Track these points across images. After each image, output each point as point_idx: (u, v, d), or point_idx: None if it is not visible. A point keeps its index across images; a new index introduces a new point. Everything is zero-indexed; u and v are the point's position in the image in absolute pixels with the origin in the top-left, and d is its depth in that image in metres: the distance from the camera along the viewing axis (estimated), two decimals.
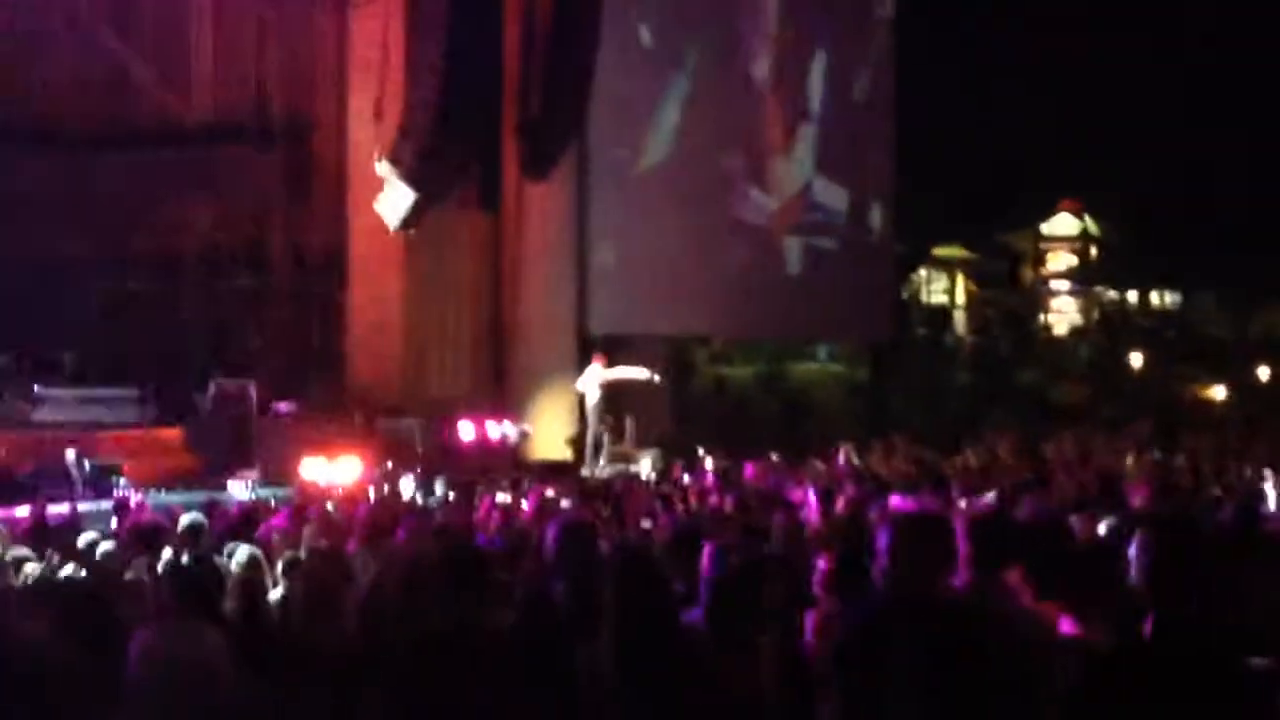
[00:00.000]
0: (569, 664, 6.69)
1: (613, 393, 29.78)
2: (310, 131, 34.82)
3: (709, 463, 23.24)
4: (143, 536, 13.79)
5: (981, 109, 41.87)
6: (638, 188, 33.54)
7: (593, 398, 29.51)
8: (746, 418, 36.38)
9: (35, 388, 29.25)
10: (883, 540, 6.42)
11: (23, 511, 19.08)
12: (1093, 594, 7.98)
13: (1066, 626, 6.89)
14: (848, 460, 22.12)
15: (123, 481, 23.24)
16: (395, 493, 20.75)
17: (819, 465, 21.79)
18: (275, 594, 11.05)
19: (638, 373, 30.01)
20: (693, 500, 17.80)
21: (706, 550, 8.82)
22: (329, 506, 17.10)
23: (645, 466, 24.11)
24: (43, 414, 28.96)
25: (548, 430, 31.18)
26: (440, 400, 31.20)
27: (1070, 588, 7.59)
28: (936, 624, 5.37)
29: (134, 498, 20.74)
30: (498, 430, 30.13)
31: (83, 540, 14.54)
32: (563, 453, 30.54)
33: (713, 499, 17.12)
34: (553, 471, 26.62)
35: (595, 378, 29.46)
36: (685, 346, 38.54)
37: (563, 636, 6.83)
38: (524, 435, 30.29)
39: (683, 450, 26.73)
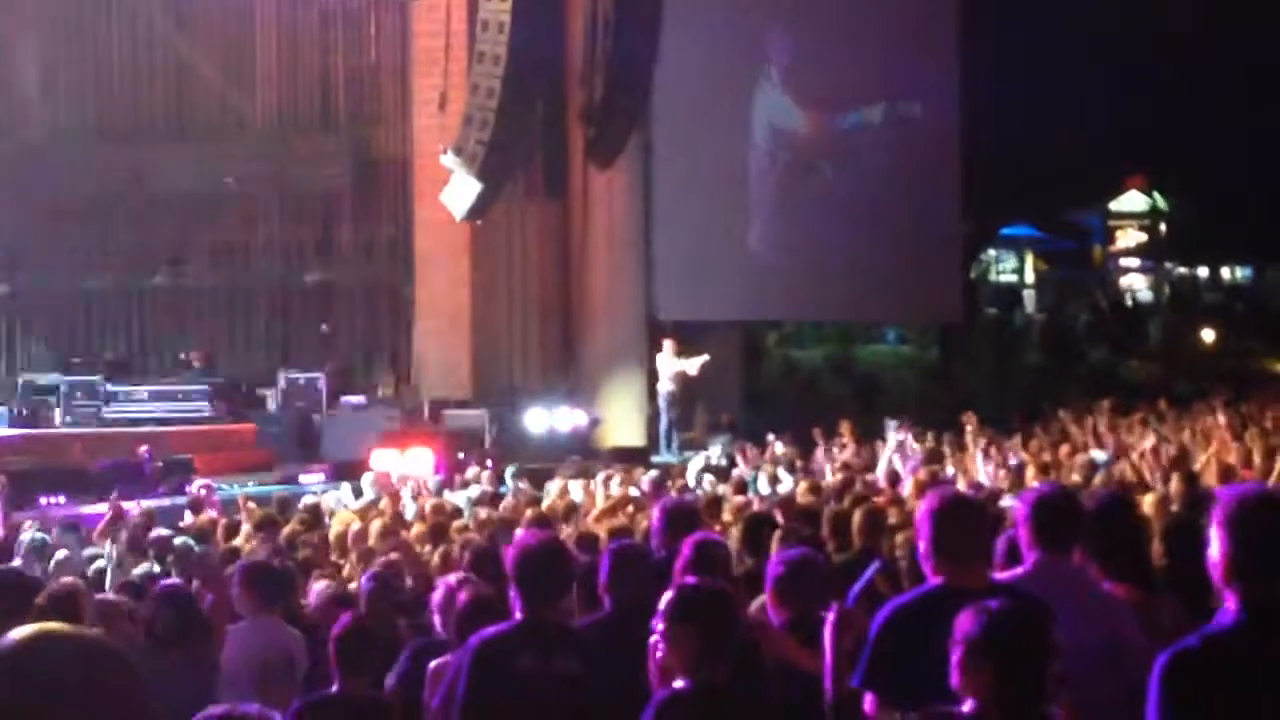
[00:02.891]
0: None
1: (682, 381, 29.85)
2: (375, 124, 34.92)
3: (778, 448, 23.13)
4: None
5: (1047, 86, 41.63)
6: (703, 172, 33.44)
7: (665, 384, 29.56)
8: (816, 401, 36.28)
9: (107, 385, 29.42)
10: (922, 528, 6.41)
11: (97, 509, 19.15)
12: (1163, 573, 7.92)
13: (1133, 606, 6.85)
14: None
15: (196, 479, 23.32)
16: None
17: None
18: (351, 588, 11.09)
19: (701, 360, 30.11)
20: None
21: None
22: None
23: (715, 452, 24.04)
24: (114, 411, 29.14)
25: (618, 417, 31.12)
26: (509, 390, 31.25)
27: (1138, 568, 7.55)
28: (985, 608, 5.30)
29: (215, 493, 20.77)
30: (568, 419, 30.14)
31: (155, 536, 14.61)
32: (634, 439, 30.48)
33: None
34: (624, 458, 26.58)
35: (669, 365, 29.53)
36: (754, 330, 38.43)
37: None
38: (595, 423, 30.25)
39: (752, 435, 26.63)
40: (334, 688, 7.69)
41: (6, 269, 33.86)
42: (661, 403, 29.83)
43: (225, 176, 33.44)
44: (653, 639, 6.10)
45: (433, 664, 7.63)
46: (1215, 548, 4.78)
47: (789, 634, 7.38)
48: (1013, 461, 18.49)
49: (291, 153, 34.82)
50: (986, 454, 19.29)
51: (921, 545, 6.37)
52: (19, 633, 2.91)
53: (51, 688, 2.81)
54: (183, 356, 31.11)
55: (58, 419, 28.74)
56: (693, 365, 29.89)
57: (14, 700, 2.79)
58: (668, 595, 6.20)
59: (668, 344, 29.99)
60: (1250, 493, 5.09)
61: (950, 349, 43.46)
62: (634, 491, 17.77)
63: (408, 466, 23.67)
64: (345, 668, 7.65)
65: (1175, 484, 13.37)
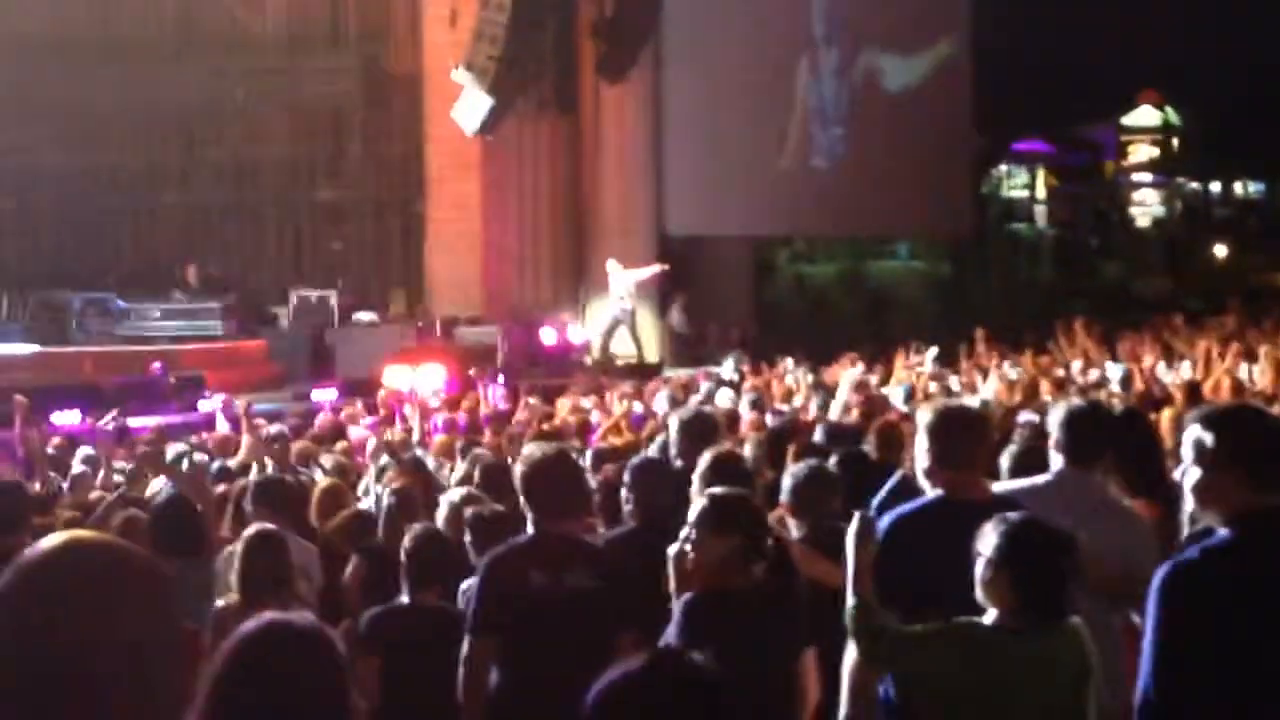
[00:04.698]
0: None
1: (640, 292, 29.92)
2: (385, 40, 34.81)
3: (789, 363, 23.11)
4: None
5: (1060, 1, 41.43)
6: (714, 87, 33.32)
7: (619, 299, 29.52)
8: (828, 317, 36.28)
9: (119, 302, 29.42)
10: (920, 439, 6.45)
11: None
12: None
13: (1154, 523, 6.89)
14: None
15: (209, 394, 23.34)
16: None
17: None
18: (366, 503, 11.10)
19: (654, 269, 30.17)
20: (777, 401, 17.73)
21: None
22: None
23: (726, 369, 24.00)
24: (127, 328, 29.16)
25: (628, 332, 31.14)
26: (521, 305, 31.26)
27: (1157, 484, 7.59)
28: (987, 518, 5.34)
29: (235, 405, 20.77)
30: (579, 334, 30.15)
31: (171, 452, 14.65)
32: (647, 354, 30.46)
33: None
34: (637, 373, 26.61)
35: (621, 279, 29.47)
36: (765, 246, 38.37)
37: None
38: (605, 338, 30.24)
39: (763, 351, 26.61)
40: (404, 599, 7.77)
41: (14, 186, 33.80)
42: (616, 316, 29.78)
43: (232, 91, 33.41)
44: (676, 547, 6.13)
45: (464, 584, 7.69)
46: None
47: (806, 545, 7.41)
48: (1013, 375, 18.47)
49: (301, 68, 34.73)
50: (997, 369, 19.34)
51: (921, 458, 6.41)
52: (51, 540, 2.93)
53: (87, 591, 2.84)
54: (180, 272, 31.01)
55: (70, 336, 28.76)
56: (645, 274, 29.86)
57: (50, 606, 2.81)
58: (700, 503, 6.23)
59: (612, 260, 29.92)
60: (1235, 407, 5.13)
61: (961, 264, 43.39)
62: (639, 407, 17.82)
63: (419, 382, 23.69)
64: (415, 579, 7.75)
65: (1184, 400, 13.39)
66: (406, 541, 7.86)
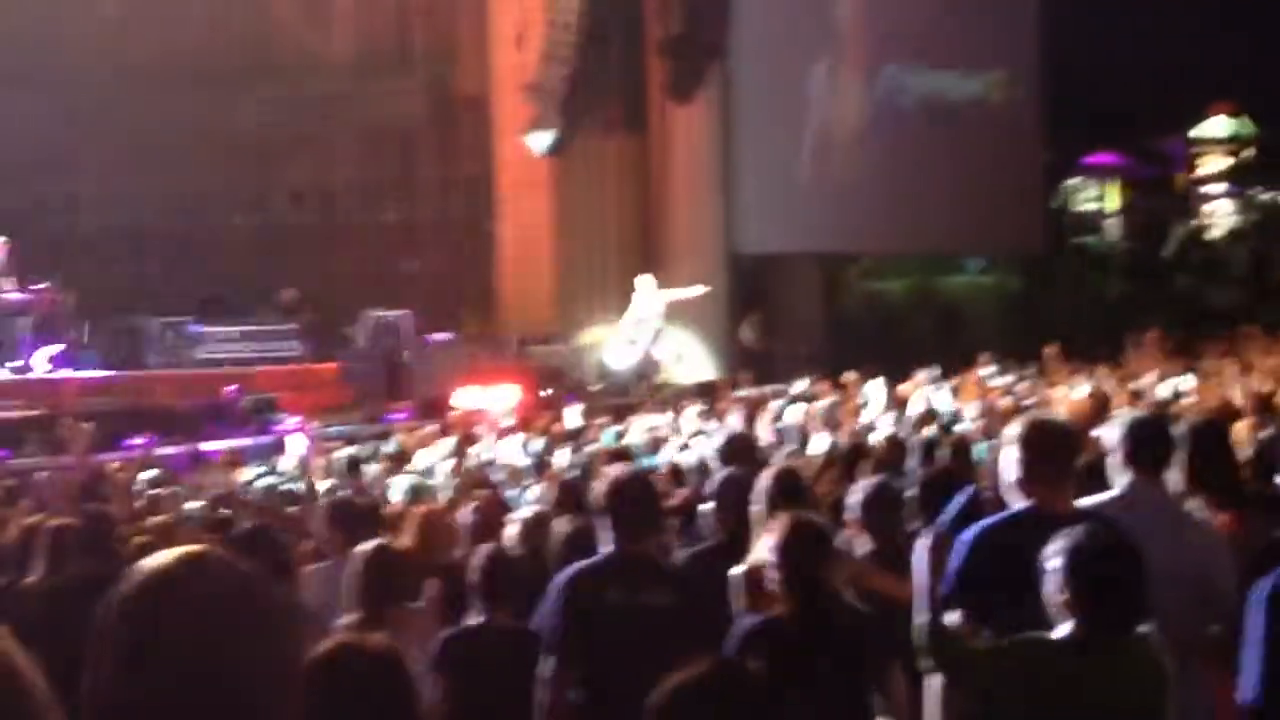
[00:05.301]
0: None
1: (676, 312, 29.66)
2: (453, 61, 34.96)
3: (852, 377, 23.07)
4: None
5: (1131, 12, 41.27)
6: (783, 103, 33.31)
7: (651, 319, 29.37)
8: (899, 333, 36.16)
9: (195, 326, 29.63)
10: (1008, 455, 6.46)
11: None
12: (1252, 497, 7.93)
13: (1228, 532, 6.88)
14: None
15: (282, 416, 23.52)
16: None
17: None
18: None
19: (694, 290, 29.82)
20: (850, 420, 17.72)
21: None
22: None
23: (798, 386, 23.98)
24: (203, 351, 29.35)
25: (699, 350, 31.15)
26: (591, 324, 31.32)
27: (1229, 491, 7.57)
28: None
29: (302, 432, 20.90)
30: (654, 352, 30.21)
31: (245, 475, 14.77)
32: (716, 372, 30.44)
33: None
34: (707, 391, 26.62)
35: (655, 298, 29.25)
36: (835, 263, 38.32)
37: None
38: (677, 358, 30.26)
39: (834, 369, 26.56)
40: (479, 619, 7.76)
41: (92, 211, 34.09)
42: (643, 337, 29.51)
43: (303, 115, 33.71)
44: (745, 569, 6.17)
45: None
46: None
47: (874, 562, 7.44)
48: (1085, 390, 18.41)
49: (369, 91, 34.92)
50: (1069, 384, 19.28)
51: (1008, 472, 6.41)
52: (169, 553, 2.99)
53: (207, 604, 2.89)
54: (275, 296, 31.24)
55: (146, 360, 28.97)
56: (682, 294, 29.63)
57: (173, 616, 2.87)
58: (777, 529, 6.27)
59: (647, 276, 29.83)
60: None
61: (1032, 279, 43.20)
62: (713, 424, 17.84)
63: (491, 402, 23.78)
64: (489, 599, 7.74)
65: (1258, 410, 13.32)
66: (478, 560, 7.90)
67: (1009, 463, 6.41)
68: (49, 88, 33.50)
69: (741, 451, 9.09)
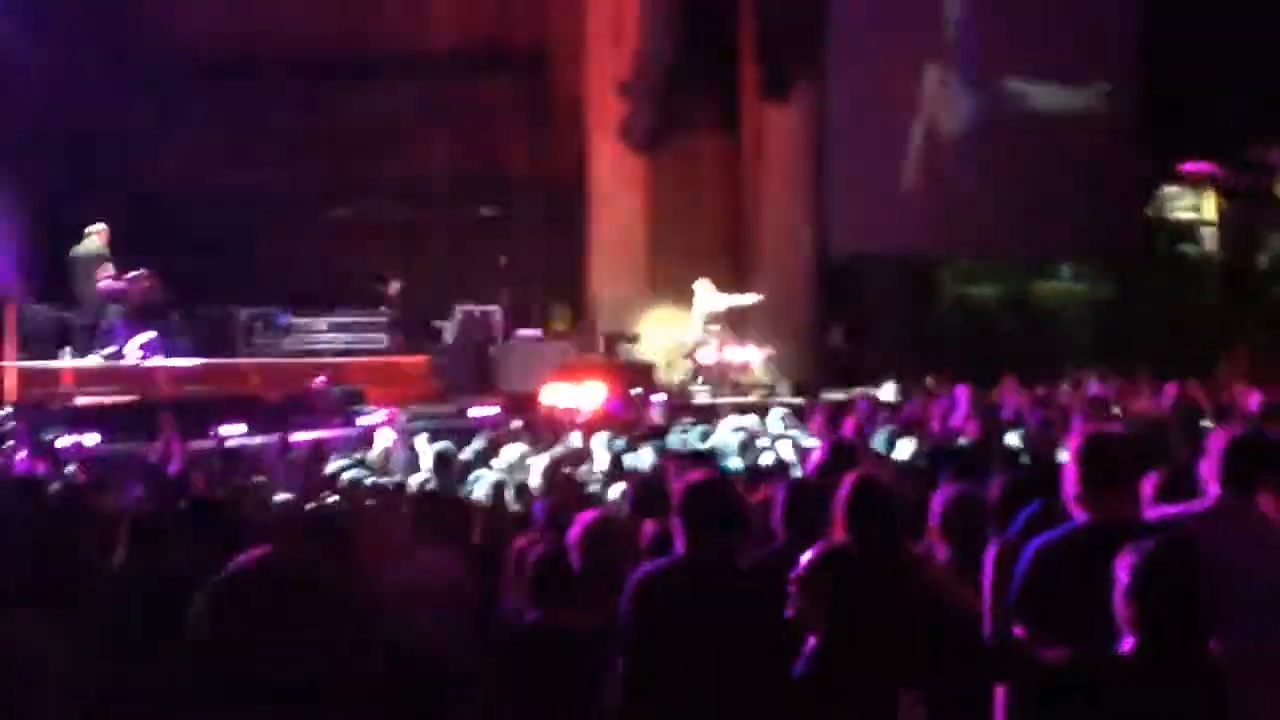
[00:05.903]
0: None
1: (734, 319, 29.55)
2: (549, 57, 35.02)
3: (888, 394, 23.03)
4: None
5: (1231, 20, 40.91)
6: (878, 105, 33.21)
7: (706, 323, 29.32)
8: (990, 338, 35.97)
9: (286, 317, 29.83)
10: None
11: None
12: None
13: None
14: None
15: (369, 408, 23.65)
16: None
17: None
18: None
19: (749, 298, 29.69)
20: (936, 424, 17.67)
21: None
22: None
23: (886, 390, 23.93)
24: (292, 342, 29.55)
25: (788, 353, 31.07)
26: (663, 325, 31.31)
27: None
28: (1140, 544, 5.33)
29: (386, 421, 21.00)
30: (739, 354, 30.16)
31: (331, 468, 14.85)
32: (804, 375, 30.39)
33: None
34: (793, 394, 26.60)
35: (711, 302, 29.19)
36: (927, 266, 38.16)
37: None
38: (768, 360, 30.21)
39: (923, 373, 26.48)
40: (531, 616, 7.73)
41: (189, 202, 34.33)
42: (701, 341, 29.40)
43: (399, 109, 33.89)
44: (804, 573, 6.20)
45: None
46: None
47: (953, 571, 7.42)
48: (1169, 401, 18.28)
49: (466, 86, 35.02)
50: (1153, 396, 19.16)
51: (1068, 484, 6.40)
52: (257, 551, 3.14)
53: (304, 593, 3.01)
54: (380, 286, 31.41)
55: (238, 349, 29.19)
56: (738, 301, 29.55)
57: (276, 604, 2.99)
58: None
59: (705, 281, 29.70)
60: None
61: (1126, 287, 42.88)
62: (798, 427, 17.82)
63: (579, 399, 23.83)
64: (544, 596, 7.72)
65: None
66: (535, 558, 7.88)
67: (1068, 475, 6.40)
68: (149, 77, 33.78)
69: (843, 457, 9.06)
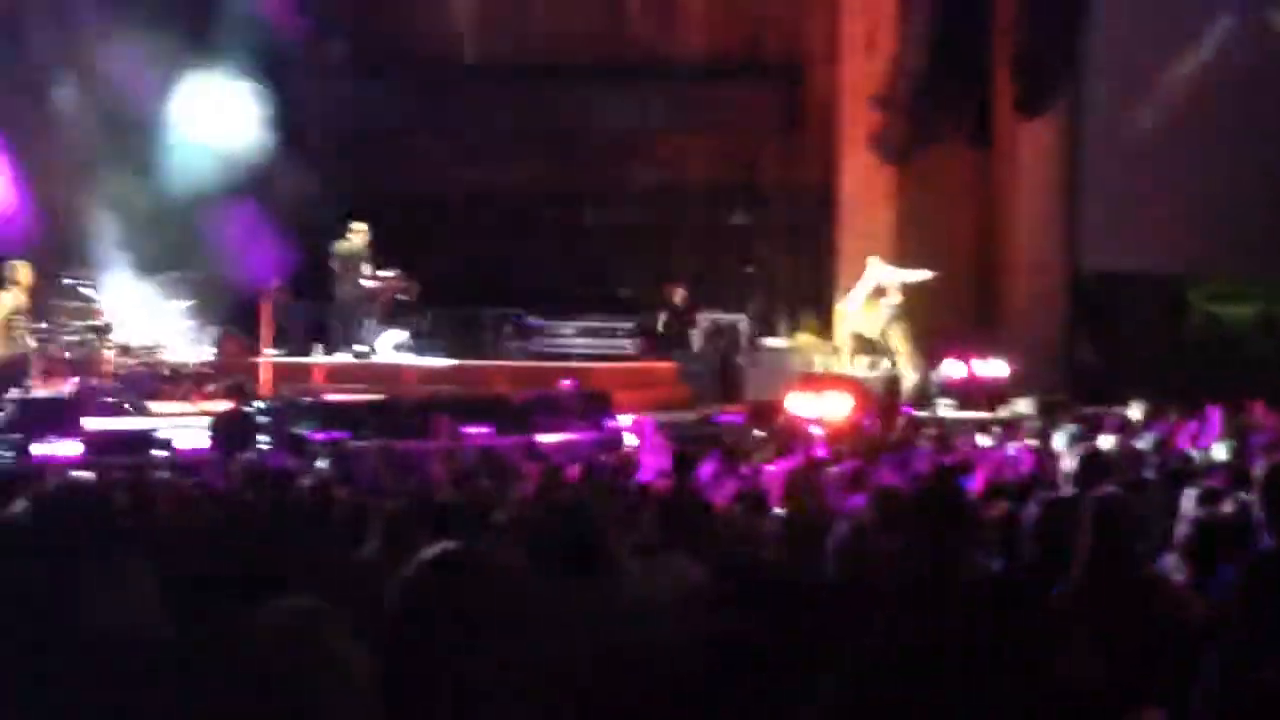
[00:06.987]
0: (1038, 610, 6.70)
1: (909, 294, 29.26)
2: (803, 67, 34.99)
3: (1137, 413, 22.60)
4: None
5: None
6: (1136, 123, 32.74)
7: (887, 296, 29.10)
8: (1241, 359, 35.29)
9: (534, 319, 30.18)
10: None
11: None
12: None
13: None
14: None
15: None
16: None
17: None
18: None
19: (922, 274, 29.33)
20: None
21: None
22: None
23: (1134, 409, 23.56)
24: (539, 344, 29.92)
25: (1038, 369, 30.74)
26: (927, 336, 31.12)
27: None
28: None
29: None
30: (986, 369, 29.92)
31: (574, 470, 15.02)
32: (1055, 391, 30.03)
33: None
34: (1046, 410, 26.33)
35: (885, 275, 28.92)
36: (1180, 283, 37.55)
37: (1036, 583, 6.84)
38: (1014, 375, 29.91)
39: (1173, 392, 26.02)
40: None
41: (437, 203, 34.80)
42: (884, 316, 29.18)
43: (651, 114, 34.17)
44: None
45: None
46: None
47: (1191, 591, 7.36)
48: None
49: (719, 94, 35.14)
50: None
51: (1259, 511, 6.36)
52: (440, 545, 3.30)
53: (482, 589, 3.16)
54: (665, 293, 31.71)
55: (486, 351, 29.60)
56: (911, 276, 29.27)
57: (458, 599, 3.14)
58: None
59: (875, 257, 29.42)
60: None
61: None
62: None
63: (823, 409, 23.84)
64: None
65: None
66: None
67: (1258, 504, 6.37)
68: (401, 81, 34.39)
69: (1098, 469, 9.01)
